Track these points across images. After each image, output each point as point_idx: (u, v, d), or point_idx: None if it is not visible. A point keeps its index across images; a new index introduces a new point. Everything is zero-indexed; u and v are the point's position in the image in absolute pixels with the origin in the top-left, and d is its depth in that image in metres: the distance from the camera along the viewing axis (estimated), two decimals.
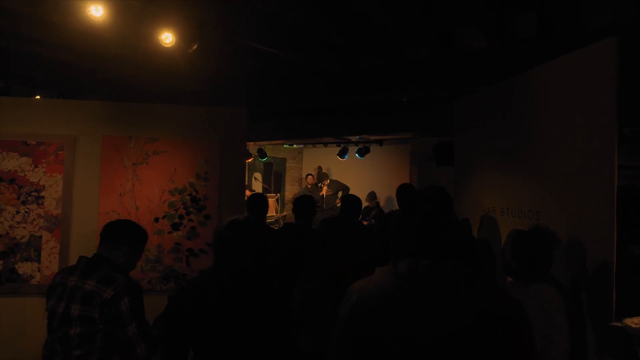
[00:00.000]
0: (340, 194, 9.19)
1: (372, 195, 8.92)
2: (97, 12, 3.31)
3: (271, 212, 9.39)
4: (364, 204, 8.84)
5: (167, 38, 3.68)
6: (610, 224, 2.19)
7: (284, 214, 10.37)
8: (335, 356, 1.44)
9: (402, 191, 4.69)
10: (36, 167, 3.51)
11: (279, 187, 11.61)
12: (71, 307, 2.02)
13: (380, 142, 9.34)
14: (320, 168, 10.73)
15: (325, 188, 9.26)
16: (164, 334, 1.88)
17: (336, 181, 9.41)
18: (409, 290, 1.33)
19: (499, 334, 1.25)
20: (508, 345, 1.26)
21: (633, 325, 2.01)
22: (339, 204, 8.29)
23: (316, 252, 3.53)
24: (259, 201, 3.96)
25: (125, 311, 2.01)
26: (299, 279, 3.37)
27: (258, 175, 10.70)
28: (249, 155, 9.27)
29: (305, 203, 3.88)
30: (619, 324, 2.07)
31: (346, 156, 9.49)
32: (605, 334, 2.18)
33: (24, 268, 3.44)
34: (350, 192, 8.53)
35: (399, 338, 1.29)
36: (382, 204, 9.32)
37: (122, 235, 2.23)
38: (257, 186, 10.30)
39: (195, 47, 3.77)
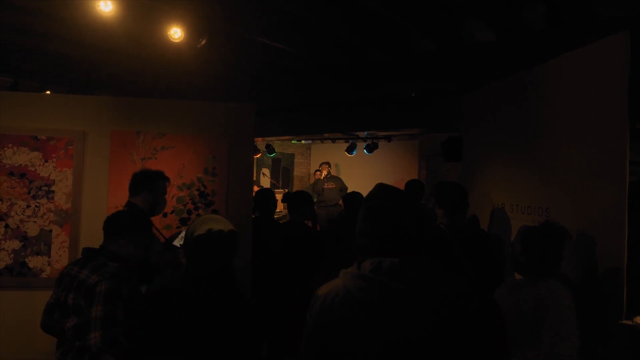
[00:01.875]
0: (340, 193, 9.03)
1: None
2: (106, 8, 3.33)
3: (279, 208, 9.38)
4: None
5: (176, 33, 3.68)
6: (621, 221, 2.16)
7: None
8: None
9: (410, 187, 4.68)
10: (46, 161, 3.54)
11: (287, 183, 11.62)
12: (68, 297, 2.05)
13: (388, 138, 9.32)
14: (328, 164, 10.72)
15: (324, 172, 8.95)
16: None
17: (338, 177, 9.17)
18: (372, 292, 1.25)
19: (468, 331, 1.20)
20: (478, 342, 1.21)
21: None
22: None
23: (333, 251, 3.47)
24: (267, 197, 3.96)
25: (98, 292, 1.94)
26: (317, 278, 3.33)
27: (266, 170, 10.71)
28: (257, 151, 9.27)
29: (298, 198, 3.73)
30: (629, 322, 2.05)
31: (354, 152, 9.47)
32: (615, 332, 2.16)
33: (34, 262, 3.48)
34: (357, 189, 8.43)
35: (365, 342, 1.23)
36: None
37: (119, 229, 2.21)
38: (265, 182, 10.32)
39: (203, 42, 3.77)
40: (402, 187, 4.88)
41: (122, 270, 2.08)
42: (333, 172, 10.11)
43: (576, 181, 2.54)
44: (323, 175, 8.90)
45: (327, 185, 8.81)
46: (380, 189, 1.41)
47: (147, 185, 2.94)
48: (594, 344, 2.19)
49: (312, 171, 10.79)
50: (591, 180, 2.41)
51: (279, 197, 9.39)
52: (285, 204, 3.75)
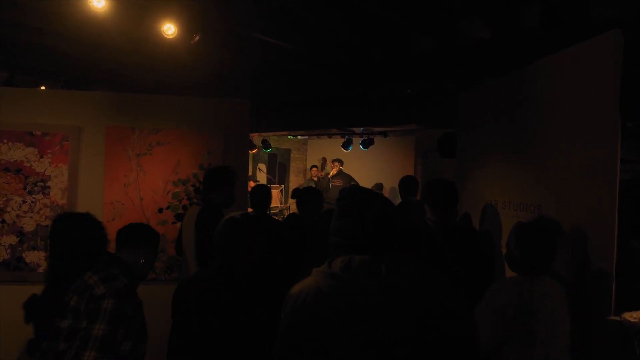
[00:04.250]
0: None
1: (378, 187, 8.91)
2: (98, 3, 3.31)
3: (275, 203, 9.40)
4: None
5: (169, 29, 3.67)
6: (611, 218, 2.17)
7: (288, 205, 10.38)
8: None
9: (404, 183, 4.71)
10: (42, 157, 3.55)
11: (283, 178, 11.63)
12: (72, 298, 2.02)
13: (384, 134, 9.31)
14: (324, 159, 10.71)
15: (333, 171, 8.93)
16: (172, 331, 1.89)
17: (348, 175, 9.09)
18: (343, 290, 1.25)
19: (437, 327, 1.20)
20: (448, 339, 1.21)
21: (632, 320, 2.01)
22: None
23: (321, 243, 3.50)
24: (262, 192, 3.97)
25: (104, 310, 1.88)
26: (302, 269, 3.35)
27: (262, 166, 10.71)
28: (253, 146, 9.25)
29: (309, 194, 3.86)
30: (617, 319, 2.07)
31: (350, 147, 9.46)
32: (604, 328, 2.18)
33: (31, 257, 3.49)
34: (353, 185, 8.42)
35: (336, 340, 1.22)
36: (386, 195, 9.30)
37: (140, 238, 2.23)
38: (262, 177, 10.32)
39: (197, 38, 3.76)
40: (397, 182, 4.91)
41: (129, 289, 2.03)
42: (330, 168, 10.12)
43: (568, 179, 2.56)
44: (332, 173, 8.91)
45: (334, 183, 8.78)
46: (353, 190, 1.42)
47: (228, 180, 3.06)
48: (586, 341, 2.22)
49: (309, 166, 10.78)
50: (583, 177, 2.43)
51: (275, 192, 9.44)
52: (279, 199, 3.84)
